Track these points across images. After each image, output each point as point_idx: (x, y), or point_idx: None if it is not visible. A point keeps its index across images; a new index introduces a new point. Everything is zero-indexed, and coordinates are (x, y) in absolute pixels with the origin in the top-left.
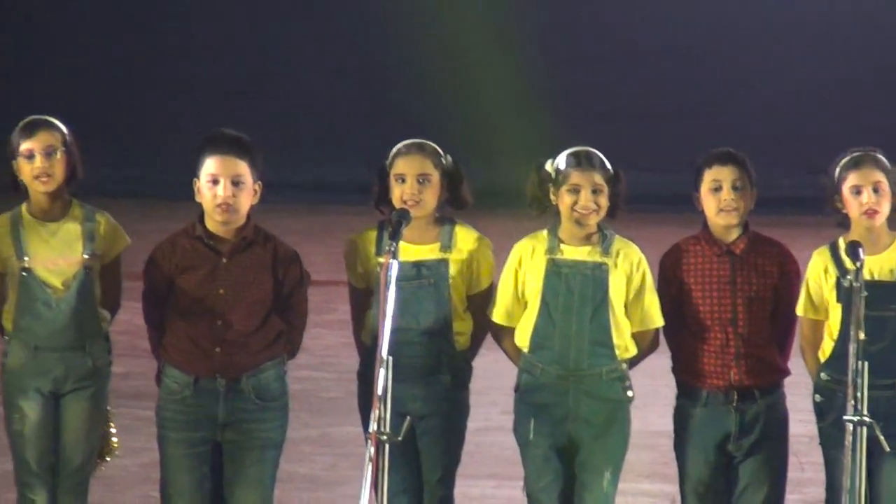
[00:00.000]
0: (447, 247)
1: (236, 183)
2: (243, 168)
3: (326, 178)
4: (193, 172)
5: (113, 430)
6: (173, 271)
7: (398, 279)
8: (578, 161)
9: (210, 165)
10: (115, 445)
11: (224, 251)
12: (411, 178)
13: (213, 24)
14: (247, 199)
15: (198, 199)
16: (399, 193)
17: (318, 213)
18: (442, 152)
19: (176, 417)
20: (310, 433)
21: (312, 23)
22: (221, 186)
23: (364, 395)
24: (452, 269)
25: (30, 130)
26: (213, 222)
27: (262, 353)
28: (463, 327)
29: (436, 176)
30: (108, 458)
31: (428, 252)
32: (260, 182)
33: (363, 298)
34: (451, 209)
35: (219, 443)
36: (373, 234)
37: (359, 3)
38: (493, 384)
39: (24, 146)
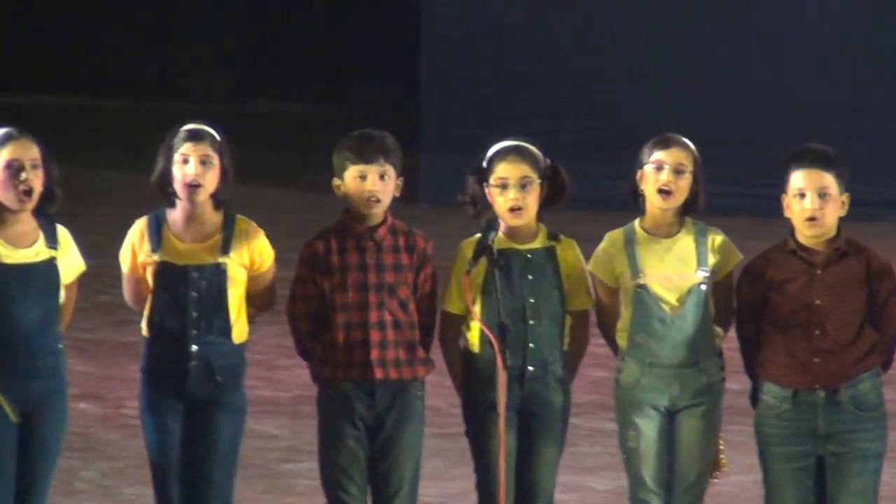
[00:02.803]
0: None
1: (822, 195)
2: (829, 181)
3: None
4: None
5: (722, 447)
6: (767, 286)
7: None
8: None
9: (797, 179)
10: (724, 462)
11: (818, 263)
12: None
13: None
14: (833, 210)
15: (787, 214)
16: None
17: None
18: None
19: (777, 433)
20: None
21: None
22: (808, 199)
23: None
24: None
25: None
26: (803, 236)
27: (858, 363)
28: None
29: None
30: (717, 475)
31: None
32: (847, 194)
33: None
34: None
35: (821, 456)
36: None
37: None
38: None
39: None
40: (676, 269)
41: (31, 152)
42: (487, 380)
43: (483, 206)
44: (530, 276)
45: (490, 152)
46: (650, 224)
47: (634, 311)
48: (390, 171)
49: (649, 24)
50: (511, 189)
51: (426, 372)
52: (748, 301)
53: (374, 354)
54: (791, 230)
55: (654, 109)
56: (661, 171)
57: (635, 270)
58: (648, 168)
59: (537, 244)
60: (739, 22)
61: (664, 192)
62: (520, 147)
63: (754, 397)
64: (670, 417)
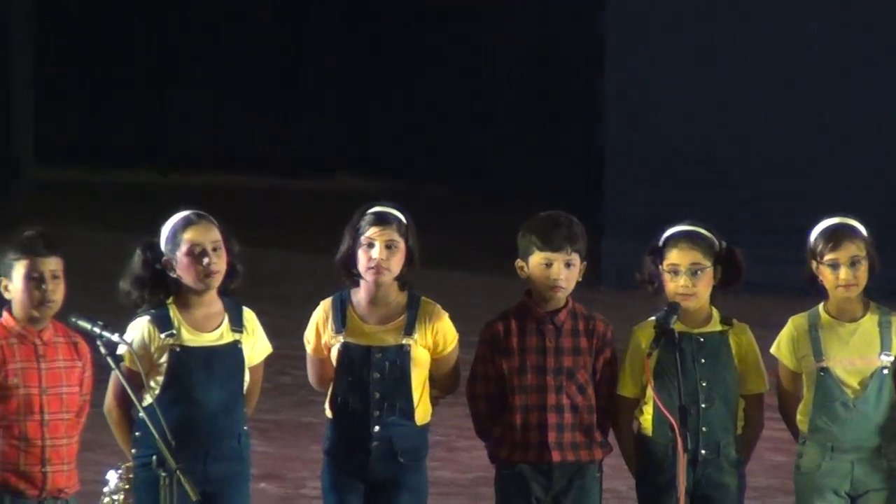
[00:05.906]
0: None
1: None
2: None
3: None
4: None
5: None
6: None
7: None
8: None
9: None
10: None
11: None
12: None
13: None
14: None
15: None
16: None
17: None
18: None
19: None
20: None
21: None
22: None
23: None
24: None
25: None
26: None
27: None
28: None
29: None
30: None
31: None
32: None
33: None
34: None
35: None
36: None
37: None
38: None
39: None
40: (860, 352)
41: (212, 234)
42: (661, 463)
43: (660, 285)
44: (703, 360)
45: (664, 235)
46: (834, 309)
47: (817, 394)
48: (576, 259)
49: (828, 110)
50: (682, 276)
51: (604, 454)
52: None
53: (552, 437)
54: None
55: (835, 194)
56: (839, 269)
57: (818, 354)
58: (825, 267)
59: (710, 328)
60: None
61: (846, 288)
62: (692, 233)
63: None
64: (852, 502)
